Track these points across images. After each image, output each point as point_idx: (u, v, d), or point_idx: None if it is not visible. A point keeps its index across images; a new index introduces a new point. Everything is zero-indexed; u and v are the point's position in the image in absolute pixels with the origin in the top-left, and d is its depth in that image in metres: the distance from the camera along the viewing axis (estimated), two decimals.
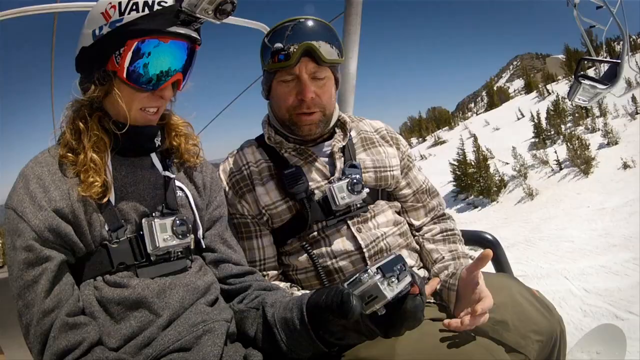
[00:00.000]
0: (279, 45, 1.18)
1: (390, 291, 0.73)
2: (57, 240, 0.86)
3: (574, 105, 10.60)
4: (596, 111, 10.34)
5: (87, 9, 1.37)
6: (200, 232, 1.08)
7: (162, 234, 0.94)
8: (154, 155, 1.06)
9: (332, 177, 1.26)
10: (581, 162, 7.78)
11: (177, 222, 0.97)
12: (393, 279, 0.74)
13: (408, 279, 0.78)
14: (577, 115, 10.23)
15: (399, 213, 1.39)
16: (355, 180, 1.23)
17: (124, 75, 0.91)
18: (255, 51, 1.30)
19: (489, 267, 1.44)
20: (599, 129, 8.95)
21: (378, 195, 1.35)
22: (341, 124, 1.36)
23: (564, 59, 17.24)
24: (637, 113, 9.63)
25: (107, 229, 0.92)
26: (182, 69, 0.97)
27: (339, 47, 1.23)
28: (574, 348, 1.55)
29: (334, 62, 1.21)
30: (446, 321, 1.02)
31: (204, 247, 1.09)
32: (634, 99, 9.66)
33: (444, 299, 1.18)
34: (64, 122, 0.99)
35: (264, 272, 1.26)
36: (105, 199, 0.92)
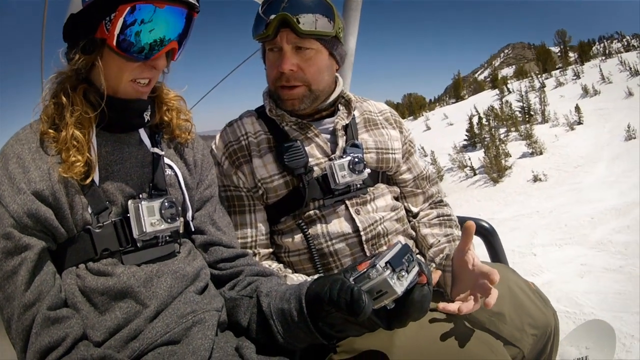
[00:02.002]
0: (260, 15, 1.15)
1: (400, 286, 0.71)
2: (37, 225, 0.81)
3: (524, 107, 10.47)
4: (538, 117, 10.22)
5: None
6: (189, 214, 1.02)
7: (149, 217, 0.89)
8: (142, 131, 0.99)
9: (333, 155, 1.23)
10: (493, 170, 7.80)
11: (166, 204, 0.92)
12: (403, 273, 0.71)
13: (416, 268, 0.75)
14: (512, 121, 10.09)
15: (397, 199, 1.37)
16: (357, 160, 1.20)
17: (114, 43, 0.83)
18: (240, 27, 1.36)
19: (485, 257, 1.48)
20: (534, 136, 8.87)
21: (378, 178, 1.32)
22: (345, 102, 1.32)
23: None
24: (579, 123, 9.48)
25: (90, 211, 0.86)
26: (177, 38, 0.90)
27: (330, 19, 1.16)
28: (562, 342, 1.55)
29: (315, 33, 1.14)
30: (441, 305, 1.00)
31: (193, 229, 1.04)
32: (577, 108, 9.50)
33: (441, 284, 1.16)
34: (47, 94, 0.91)
35: (255, 250, 1.22)
36: (89, 180, 0.86)
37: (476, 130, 10.50)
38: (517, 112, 10.60)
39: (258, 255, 1.22)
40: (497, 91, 14.47)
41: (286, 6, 1.12)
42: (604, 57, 14.42)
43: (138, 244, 0.90)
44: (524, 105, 10.47)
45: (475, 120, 11.01)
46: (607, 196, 5.80)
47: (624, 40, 19.31)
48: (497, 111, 10.98)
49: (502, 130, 10.48)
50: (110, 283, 0.84)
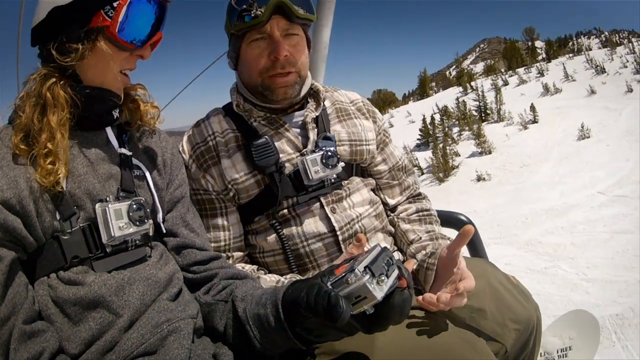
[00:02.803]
0: (248, 3, 1.10)
1: (380, 291, 0.69)
2: (6, 236, 0.79)
3: (480, 105, 10.17)
4: (495, 116, 9.97)
5: None
6: (160, 216, 1.01)
7: (117, 221, 0.87)
8: (109, 131, 0.98)
9: (304, 150, 1.19)
10: (440, 169, 7.54)
11: (134, 206, 0.90)
12: (383, 277, 0.70)
13: (396, 272, 0.74)
14: (465, 120, 9.81)
15: (373, 191, 1.34)
16: (329, 153, 1.16)
17: (116, 30, 0.85)
18: (219, 24, 1.26)
19: (464, 251, 1.43)
20: (484, 135, 8.54)
21: (352, 171, 1.28)
22: (314, 93, 1.28)
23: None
24: (534, 122, 9.24)
25: (58, 217, 0.84)
26: (162, 28, 0.94)
27: (310, 8, 1.17)
28: (545, 332, 1.56)
29: (308, 18, 1.14)
30: (420, 298, 1.00)
31: (164, 232, 1.02)
32: (532, 107, 9.26)
33: (420, 280, 1.14)
34: (24, 96, 0.89)
35: (229, 253, 1.19)
36: (59, 186, 0.83)
37: (430, 129, 10.21)
38: (473, 111, 10.32)
39: (232, 259, 1.19)
40: (461, 88, 14.20)
41: None
42: (571, 55, 14.29)
43: (107, 250, 0.88)
44: (480, 104, 10.20)
45: (432, 118, 10.73)
46: (547, 197, 5.76)
47: (602, 36, 19.25)
48: (453, 110, 10.74)
49: (456, 129, 10.22)
50: (82, 293, 0.83)
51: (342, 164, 1.20)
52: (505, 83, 12.76)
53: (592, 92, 10.27)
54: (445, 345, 0.91)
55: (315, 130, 1.22)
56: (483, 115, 9.89)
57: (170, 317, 0.88)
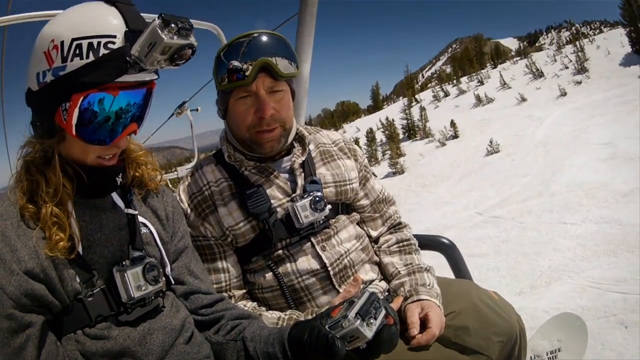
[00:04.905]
0: (235, 63, 1.16)
1: (370, 331, 0.83)
2: (34, 303, 0.84)
3: (408, 122, 10.29)
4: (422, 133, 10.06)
5: (39, 18, 1.41)
6: (167, 268, 1.07)
7: (135, 283, 0.94)
8: (114, 193, 1.02)
9: (294, 195, 1.27)
10: None
11: (148, 268, 0.97)
12: (371, 320, 0.84)
13: (383, 312, 0.88)
14: (392, 138, 9.94)
15: (358, 224, 1.42)
16: (317, 198, 1.24)
17: (73, 132, 0.84)
18: (206, 53, 1.27)
19: (449, 273, 1.57)
20: (404, 154, 8.69)
21: (338, 210, 1.37)
22: (299, 138, 1.37)
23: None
24: (454, 137, 9.37)
25: (78, 280, 0.89)
26: (137, 118, 0.91)
27: (294, 59, 1.24)
28: (534, 336, 1.62)
29: (291, 75, 1.22)
30: (415, 342, 1.11)
31: (172, 282, 1.09)
32: (452, 123, 9.37)
33: (403, 315, 1.23)
34: (19, 166, 0.93)
35: (230, 292, 1.26)
36: (74, 254, 0.88)
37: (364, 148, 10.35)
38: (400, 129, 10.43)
39: (233, 298, 1.26)
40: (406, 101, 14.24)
41: (262, 51, 1.16)
42: (518, 58, 14.21)
43: (127, 307, 0.94)
44: (408, 121, 10.30)
45: (370, 135, 10.82)
46: (430, 217, 5.99)
47: (573, 28, 19.01)
48: (381, 127, 10.81)
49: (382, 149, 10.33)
50: (109, 346, 0.89)
51: (329, 206, 1.28)
52: (446, 94, 12.73)
53: (523, 99, 10.21)
54: None
55: (303, 175, 1.31)
56: (409, 133, 9.99)
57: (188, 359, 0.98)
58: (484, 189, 6.60)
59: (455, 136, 9.14)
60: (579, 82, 10.58)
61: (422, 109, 10.58)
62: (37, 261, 0.84)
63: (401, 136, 10.90)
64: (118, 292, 0.92)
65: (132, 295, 0.92)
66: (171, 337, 0.97)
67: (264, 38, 1.19)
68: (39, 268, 0.84)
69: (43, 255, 0.85)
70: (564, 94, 10.08)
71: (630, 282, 2.64)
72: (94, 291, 0.90)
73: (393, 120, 11.09)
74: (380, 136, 11.43)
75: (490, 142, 7.83)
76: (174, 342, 0.98)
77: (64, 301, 0.87)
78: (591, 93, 9.69)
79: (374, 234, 1.44)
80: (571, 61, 11.39)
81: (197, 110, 3.84)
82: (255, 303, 1.27)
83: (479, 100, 10.93)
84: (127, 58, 0.79)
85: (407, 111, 10.33)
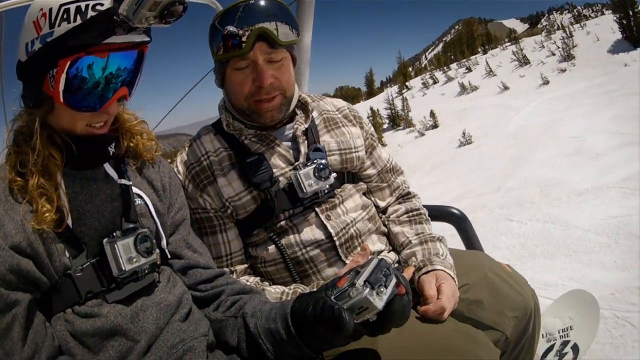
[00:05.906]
0: (230, 29, 1.10)
1: (380, 301, 0.74)
2: (20, 279, 0.80)
3: (392, 112, 10.54)
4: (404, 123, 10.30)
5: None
6: (163, 242, 1.02)
7: (126, 255, 0.89)
8: (107, 164, 0.98)
9: (297, 163, 1.22)
10: None
11: (140, 239, 0.92)
12: (382, 288, 0.75)
13: (394, 280, 0.79)
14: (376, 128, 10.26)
15: (365, 194, 1.37)
16: (321, 166, 1.19)
17: (60, 99, 0.82)
18: (206, 31, 1.21)
19: (460, 244, 1.51)
20: (385, 145, 9.03)
21: (344, 179, 1.31)
22: (302, 105, 1.30)
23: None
24: (434, 127, 9.57)
25: (67, 255, 0.86)
26: (127, 83, 0.89)
27: (295, 25, 1.18)
28: (545, 313, 1.55)
29: (292, 42, 1.16)
30: (422, 309, 1.07)
31: (169, 257, 1.05)
32: (432, 113, 9.55)
33: (415, 286, 1.17)
34: (8, 140, 0.90)
35: (232, 267, 1.22)
36: (63, 227, 0.85)
37: None
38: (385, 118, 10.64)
39: (235, 273, 1.21)
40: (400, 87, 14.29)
41: (259, 17, 1.10)
42: (509, 44, 14.06)
43: (119, 282, 0.90)
44: (392, 111, 10.44)
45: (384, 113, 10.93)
46: None
47: (575, 10, 18.68)
48: (371, 116, 10.95)
49: None
50: (99, 324, 0.85)
51: (334, 174, 1.22)
52: (435, 81, 12.73)
53: (505, 88, 10.19)
54: (445, 339, 0.98)
55: (306, 142, 1.24)
56: (392, 122, 10.16)
57: (184, 338, 0.92)
58: (448, 182, 6.49)
59: (435, 126, 9.25)
60: (564, 70, 10.50)
61: (404, 99, 10.63)
62: (24, 235, 0.81)
63: (385, 125, 11.04)
64: (109, 267, 0.88)
65: (123, 268, 0.88)
66: (166, 314, 0.93)
67: (262, 3, 1.13)
68: (26, 242, 0.81)
69: (30, 228, 0.81)
70: (546, 82, 9.97)
71: (560, 288, 2.48)
72: (84, 266, 0.87)
73: (378, 110, 11.27)
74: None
75: (464, 133, 7.88)
76: (169, 320, 0.93)
77: (52, 277, 0.84)
78: (573, 82, 9.47)
79: (382, 204, 1.39)
80: (558, 47, 11.27)
81: None
82: (258, 278, 1.23)
83: (463, 89, 10.95)
84: (115, 17, 0.76)
85: (390, 100, 10.42)
